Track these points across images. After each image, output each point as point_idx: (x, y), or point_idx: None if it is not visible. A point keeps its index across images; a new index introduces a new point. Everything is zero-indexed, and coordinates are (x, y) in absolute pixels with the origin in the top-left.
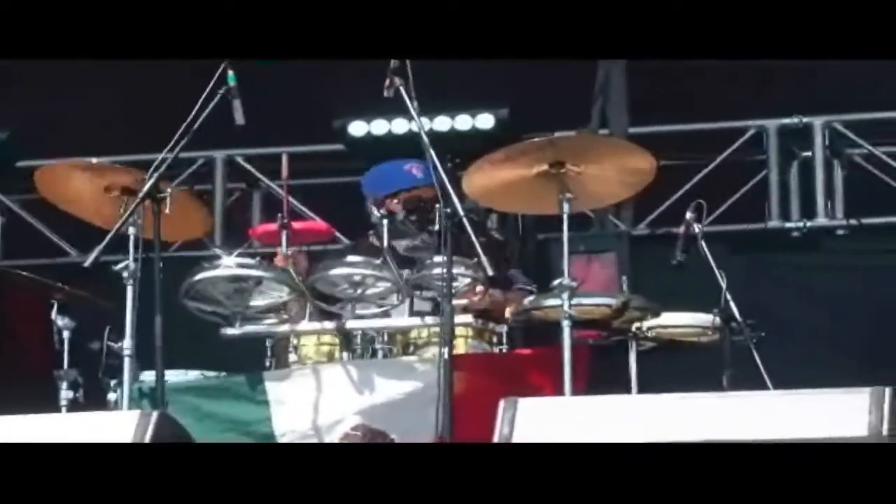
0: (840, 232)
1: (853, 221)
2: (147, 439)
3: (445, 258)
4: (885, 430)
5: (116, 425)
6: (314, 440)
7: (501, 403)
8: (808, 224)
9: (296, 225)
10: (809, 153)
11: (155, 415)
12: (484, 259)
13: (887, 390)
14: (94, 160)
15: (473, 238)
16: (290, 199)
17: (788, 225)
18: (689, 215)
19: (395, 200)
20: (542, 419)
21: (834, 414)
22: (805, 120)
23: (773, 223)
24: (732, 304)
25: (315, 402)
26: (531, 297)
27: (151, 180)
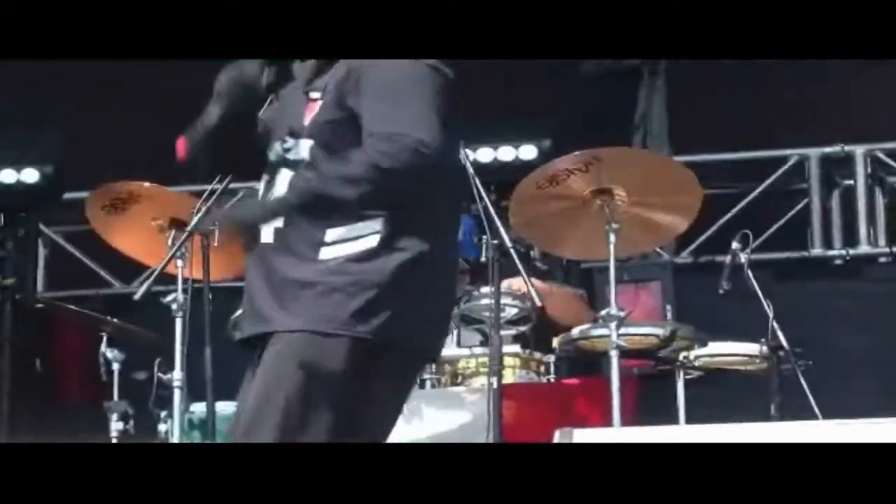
0: (882, 259)
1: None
2: None
3: (493, 288)
4: None
5: None
6: None
7: (557, 434)
8: (851, 252)
9: None
10: (851, 181)
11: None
12: (532, 289)
13: None
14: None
15: (521, 268)
16: None
17: (831, 253)
18: (734, 245)
19: None
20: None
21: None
22: (847, 148)
23: (816, 251)
24: (780, 333)
25: None
26: (583, 327)
27: (199, 214)
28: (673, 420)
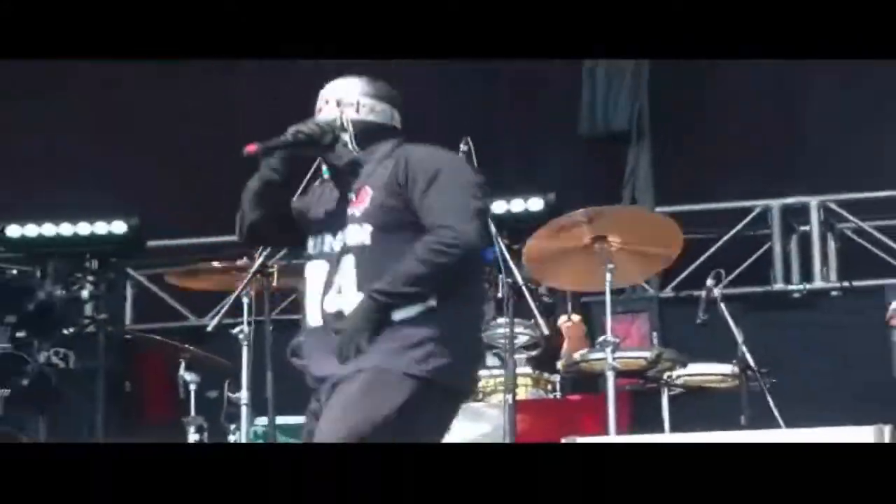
0: (834, 293)
1: (845, 284)
2: None
3: (508, 319)
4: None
5: None
6: None
7: (563, 441)
8: (807, 287)
9: None
10: (807, 227)
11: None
12: (541, 320)
13: (887, 428)
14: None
15: (531, 302)
16: None
17: (790, 287)
18: (709, 282)
19: None
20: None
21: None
22: (803, 200)
23: (778, 286)
24: (748, 355)
25: None
26: (583, 351)
27: (260, 259)
28: (659, 429)
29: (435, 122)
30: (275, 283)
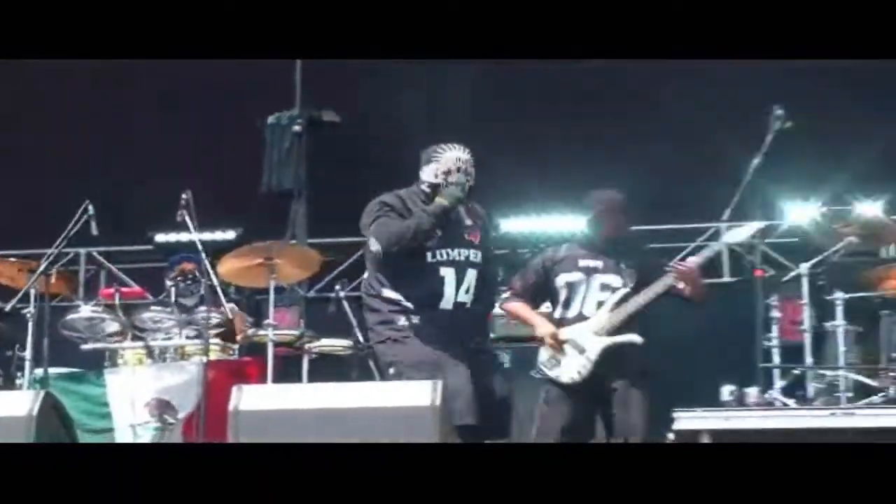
0: None
1: None
2: (35, 410)
3: (205, 307)
4: (436, 403)
5: (19, 400)
6: (129, 407)
7: (234, 389)
8: None
9: (125, 290)
10: None
11: (42, 392)
12: (226, 308)
13: (439, 382)
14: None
15: (223, 297)
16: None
17: None
18: (337, 287)
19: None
20: (258, 396)
21: (406, 395)
22: None
23: None
24: (359, 334)
25: (131, 387)
26: (253, 329)
27: (45, 263)
28: (299, 381)
29: None
30: (52, 282)
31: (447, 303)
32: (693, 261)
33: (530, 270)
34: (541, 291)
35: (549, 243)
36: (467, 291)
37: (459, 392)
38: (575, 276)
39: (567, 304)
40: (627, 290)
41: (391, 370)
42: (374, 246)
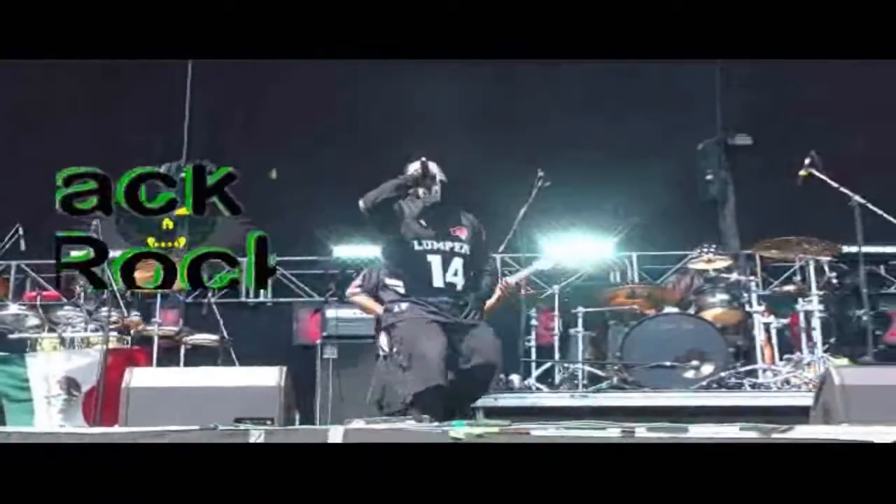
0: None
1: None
2: None
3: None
4: (281, 384)
5: None
6: (44, 383)
7: (126, 370)
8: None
9: (45, 293)
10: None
11: None
12: (125, 310)
13: (284, 368)
14: None
15: (120, 300)
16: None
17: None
18: (209, 294)
19: None
20: (145, 376)
21: (259, 377)
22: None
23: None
24: (224, 332)
25: (46, 368)
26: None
27: None
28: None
29: None
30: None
31: (438, 282)
32: (511, 278)
33: (373, 273)
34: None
35: None
36: (455, 274)
37: (432, 360)
38: None
39: None
40: None
41: (394, 349)
42: (360, 205)
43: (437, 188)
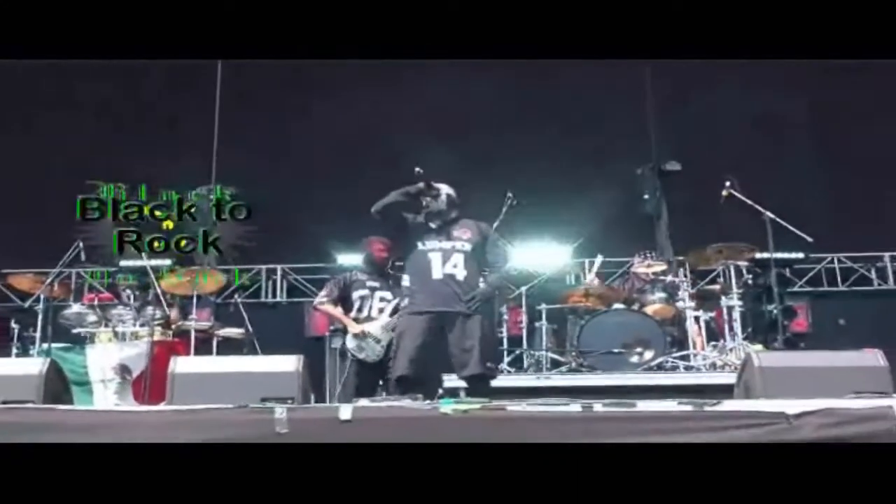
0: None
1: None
2: (44, 371)
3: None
4: (299, 370)
5: (32, 364)
6: (100, 370)
7: (172, 359)
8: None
9: (101, 295)
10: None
11: (48, 359)
12: (167, 308)
13: (301, 356)
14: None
15: (164, 300)
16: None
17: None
18: (236, 296)
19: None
20: (187, 364)
21: (279, 364)
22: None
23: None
24: (249, 326)
25: (102, 357)
26: (182, 321)
27: (51, 278)
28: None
29: None
30: (55, 289)
31: (437, 274)
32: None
33: (335, 286)
34: (342, 300)
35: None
36: (455, 266)
37: (404, 352)
38: (364, 292)
39: (360, 310)
40: (397, 301)
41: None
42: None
43: (442, 198)
